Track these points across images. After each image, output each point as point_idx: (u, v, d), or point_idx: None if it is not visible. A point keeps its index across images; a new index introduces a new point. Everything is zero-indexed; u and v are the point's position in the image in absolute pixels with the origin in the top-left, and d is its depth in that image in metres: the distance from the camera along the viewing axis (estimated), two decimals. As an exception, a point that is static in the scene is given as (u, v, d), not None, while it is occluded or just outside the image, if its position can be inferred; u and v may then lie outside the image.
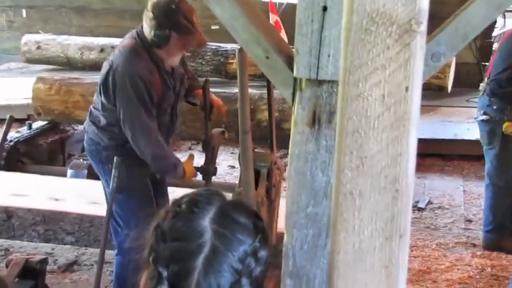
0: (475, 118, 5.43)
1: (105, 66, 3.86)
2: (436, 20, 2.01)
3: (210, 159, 4.26)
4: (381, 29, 1.16)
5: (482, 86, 5.43)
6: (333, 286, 1.26)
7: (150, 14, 3.72)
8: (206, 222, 1.26)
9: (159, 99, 3.81)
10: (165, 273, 1.23)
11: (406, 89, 1.16)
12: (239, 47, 3.16)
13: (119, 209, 3.86)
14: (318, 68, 2.00)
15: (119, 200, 3.85)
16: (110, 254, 4.70)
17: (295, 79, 2.09)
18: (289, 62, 2.09)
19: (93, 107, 4.00)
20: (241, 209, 1.32)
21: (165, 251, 1.25)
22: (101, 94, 3.86)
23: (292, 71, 2.06)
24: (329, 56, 1.98)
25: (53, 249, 5.11)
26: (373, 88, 1.16)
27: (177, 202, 1.33)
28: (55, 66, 8.98)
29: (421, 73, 1.18)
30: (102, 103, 3.87)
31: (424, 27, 1.18)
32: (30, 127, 6.56)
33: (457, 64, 7.86)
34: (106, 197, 4.00)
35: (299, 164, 2.13)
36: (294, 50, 2.04)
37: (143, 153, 3.75)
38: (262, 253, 1.27)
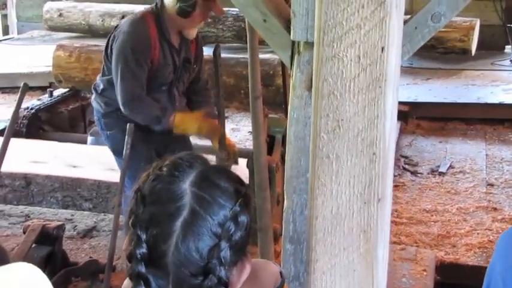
0: None
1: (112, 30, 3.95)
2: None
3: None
4: (355, -14, 1.12)
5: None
6: (311, 252, 1.24)
7: None
8: (186, 185, 1.25)
9: (155, 70, 3.83)
10: (143, 236, 1.22)
11: (382, 49, 1.12)
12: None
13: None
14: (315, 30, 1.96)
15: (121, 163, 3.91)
16: (127, 220, 4.75)
17: (293, 42, 2.05)
18: (287, 25, 2.05)
19: (98, 77, 4.11)
20: (223, 174, 1.30)
21: (144, 214, 1.24)
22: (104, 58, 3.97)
23: (290, 34, 2.02)
24: (326, 18, 1.93)
25: (72, 215, 5.16)
26: (348, 49, 1.13)
27: (159, 165, 1.32)
28: (77, 34, 9.01)
29: (399, 33, 1.14)
30: (103, 66, 3.97)
31: (401, -16, 1.14)
32: (51, 95, 6.61)
33: (481, 26, 7.72)
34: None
35: (298, 129, 2.10)
36: (291, 12, 2.00)
37: (123, 108, 3.80)
38: (243, 218, 1.25)
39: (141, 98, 3.80)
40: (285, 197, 2.22)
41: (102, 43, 7.03)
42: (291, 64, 2.11)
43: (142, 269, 1.21)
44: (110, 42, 3.84)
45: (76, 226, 5.02)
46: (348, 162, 1.17)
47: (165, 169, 1.28)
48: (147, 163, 3.95)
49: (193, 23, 3.85)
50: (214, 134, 4.05)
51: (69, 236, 4.77)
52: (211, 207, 1.23)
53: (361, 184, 1.18)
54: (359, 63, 1.13)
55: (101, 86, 3.99)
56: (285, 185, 2.22)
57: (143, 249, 1.21)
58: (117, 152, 3.97)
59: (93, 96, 4.10)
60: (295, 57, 2.08)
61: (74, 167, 4.86)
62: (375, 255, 1.22)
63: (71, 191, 4.68)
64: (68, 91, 6.73)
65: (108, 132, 4.02)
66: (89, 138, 5.62)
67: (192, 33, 3.91)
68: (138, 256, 1.21)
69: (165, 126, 3.90)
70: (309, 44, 2.04)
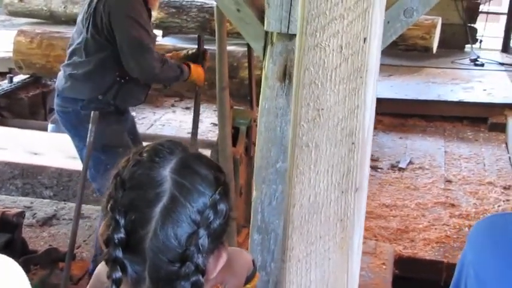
0: None
1: (88, 2, 3.71)
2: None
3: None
4: (340, -23, 1.13)
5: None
6: (287, 239, 1.25)
7: None
8: (166, 172, 1.24)
9: None
10: (122, 221, 1.21)
11: (364, 40, 1.13)
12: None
13: (93, 166, 3.76)
14: (289, 21, 1.97)
15: (95, 157, 3.68)
16: (88, 209, 4.71)
17: (266, 33, 2.06)
18: (261, 15, 2.06)
19: (68, 63, 3.85)
20: (203, 161, 1.30)
21: (124, 198, 1.23)
22: (87, 32, 3.71)
23: (264, 24, 2.03)
24: (300, 9, 1.95)
25: (32, 203, 5.09)
26: (331, 38, 1.14)
27: (139, 151, 1.31)
28: (38, 20, 8.87)
29: (381, 24, 1.15)
30: (86, 45, 3.73)
31: (384, -24, 1.15)
32: (11, 81, 6.50)
33: (443, 25, 7.82)
34: (82, 159, 3.88)
35: (269, 119, 2.12)
36: (265, 3, 2.01)
37: (150, 74, 3.67)
38: (222, 206, 1.25)
39: (161, 56, 3.72)
40: (254, 187, 2.23)
41: (64, 30, 7.00)
42: (264, 55, 2.13)
43: (119, 254, 1.20)
44: (102, 17, 3.62)
45: (35, 214, 4.95)
46: (327, 151, 1.18)
47: (145, 155, 1.27)
48: (124, 149, 3.77)
49: None
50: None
51: (28, 224, 4.70)
52: (191, 194, 1.23)
53: (339, 173, 1.19)
54: (341, 53, 1.14)
55: (86, 68, 3.75)
56: (254, 175, 2.23)
57: (121, 234, 1.21)
58: (106, 147, 3.64)
59: (66, 86, 3.82)
60: (268, 47, 2.10)
61: (35, 154, 4.80)
62: (350, 244, 1.23)
63: (31, 179, 4.63)
64: (28, 77, 6.63)
65: (91, 125, 3.63)
66: (50, 126, 5.54)
67: (156, 4, 3.86)
68: (116, 241, 1.20)
69: (184, 77, 3.88)
70: (282, 35, 2.06)
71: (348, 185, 1.19)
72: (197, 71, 3.97)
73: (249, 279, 1.49)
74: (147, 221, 1.20)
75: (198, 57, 4.12)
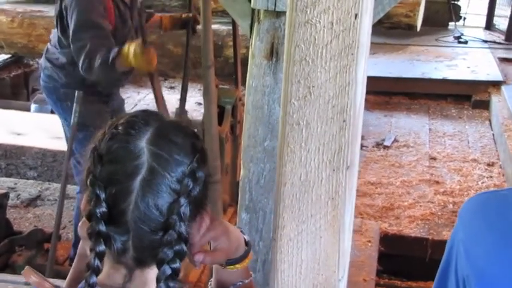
0: None
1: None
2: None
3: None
4: (330, -49, 1.11)
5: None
6: (278, 218, 1.24)
7: None
8: (143, 143, 1.24)
9: (113, 31, 3.66)
10: (102, 195, 1.22)
11: (356, 16, 1.12)
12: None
13: (79, 146, 3.74)
14: (276, -2, 1.95)
15: (79, 138, 3.66)
16: (72, 189, 4.68)
17: (253, 10, 2.04)
18: (248, -8, 2.04)
19: (50, 44, 3.90)
20: (179, 130, 1.29)
21: (102, 173, 1.23)
22: (57, 27, 3.75)
23: (251, 1, 2.01)
24: (287, -14, 1.93)
25: (15, 183, 5.07)
26: (321, 14, 1.12)
27: (114, 124, 1.30)
28: (18, -1, 8.76)
29: (372, 0, 1.13)
30: (59, 38, 3.77)
31: (374, -50, 1.14)
32: (-8, 60, 6.45)
33: (426, 3, 7.84)
34: (65, 134, 3.94)
35: (256, 98, 2.10)
36: (252, -21, 1.98)
37: (86, 69, 3.55)
38: (201, 173, 1.26)
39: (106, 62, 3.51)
40: (242, 166, 2.22)
41: (45, 9, 6.91)
42: (251, 33, 2.10)
43: (102, 227, 1.21)
44: (62, 7, 3.65)
45: (19, 195, 4.93)
46: (318, 129, 1.17)
47: (120, 128, 1.27)
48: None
49: None
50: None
51: (12, 205, 4.69)
52: (169, 164, 1.23)
53: (330, 151, 1.18)
54: (332, 29, 1.12)
55: (62, 59, 3.79)
56: (241, 154, 2.21)
57: (103, 208, 1.21)
58: (81, 125, 3.56)
59: (47, 65, 3.88)
60: (255, 25, 2.07)
61: (18, 134, 4.74)
62: (342, 222, 1.22)
63: (15, 159, 4.60)
64: (10, 57, 6.57)
65: (69, 103, 3.71)
66: (33, 106, 5.50)
67: None
68: (98, 215, 1.21)
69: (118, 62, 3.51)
70: (269, 13, 2.03)
71: (339, 163, 1.18)
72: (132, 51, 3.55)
73: (240, 259, 1.48)
74: (127, 194, 1.21)
75: (189, 21, 4.12)
